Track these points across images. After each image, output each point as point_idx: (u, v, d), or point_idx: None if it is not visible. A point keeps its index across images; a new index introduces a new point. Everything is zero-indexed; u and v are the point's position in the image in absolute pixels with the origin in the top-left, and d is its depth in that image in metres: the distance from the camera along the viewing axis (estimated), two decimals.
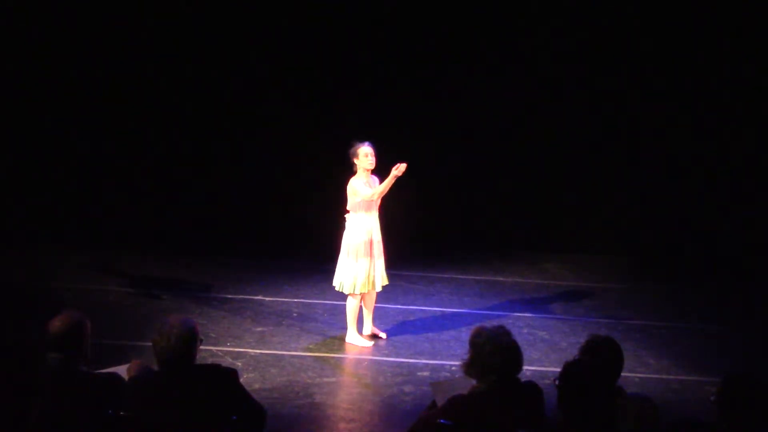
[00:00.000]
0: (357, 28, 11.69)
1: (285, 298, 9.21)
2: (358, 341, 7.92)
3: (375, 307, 8.20)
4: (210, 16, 11.60)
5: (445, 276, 10.41)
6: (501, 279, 10.51)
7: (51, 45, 11.33)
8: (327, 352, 7.75)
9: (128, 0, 11.45)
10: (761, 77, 11.67)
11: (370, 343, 7.93)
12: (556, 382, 4.07)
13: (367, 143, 7.71)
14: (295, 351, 7.70)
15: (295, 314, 8.70)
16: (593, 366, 4.16)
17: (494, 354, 4.23)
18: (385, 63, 11.74)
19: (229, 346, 7.69)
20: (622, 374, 4.58)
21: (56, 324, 4.40)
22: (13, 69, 11.27)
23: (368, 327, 8.09)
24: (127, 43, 11.44)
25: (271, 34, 11.71)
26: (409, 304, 9.18)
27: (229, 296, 9.12)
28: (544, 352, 7.97)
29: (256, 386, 6.75)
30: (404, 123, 11.39)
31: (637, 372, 7.53)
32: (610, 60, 11.83)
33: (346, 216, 7.79)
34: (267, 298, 9.14)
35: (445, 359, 7.64)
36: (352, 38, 11.71)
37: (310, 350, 7.75)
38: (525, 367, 4.44)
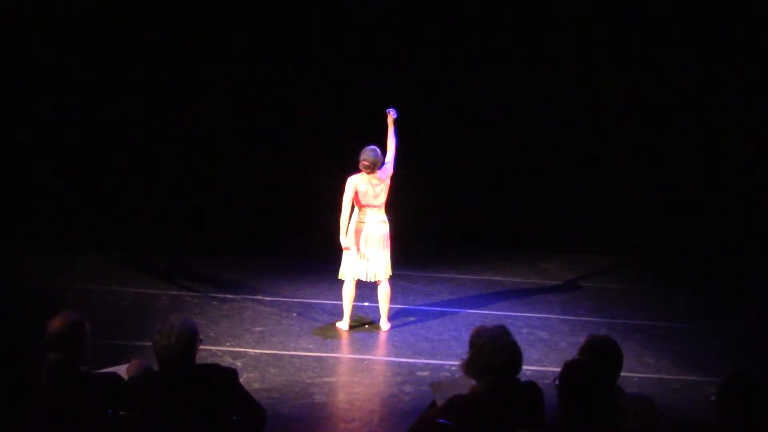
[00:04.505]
0: (359, 30, 11.71)
1: (285, 298, 9.21)
2: (339, 325, 8.31)
3: (376, 305, 8.37)
4: (212, 17, 11.61)
5: (445, 276, 10.41)
6: (501, 279, 10.51)
7: (50, 46, 11.36)
8: (327, 352, 7.75)
9: (130, 1, 11.47)
10: (761, 77, 11.68)
11: (341, 327, 8.28)
12: (556, 382, 4.07)
13: (366, 148, 8.02)
14: (295, 351, 7.70)
15: (295, 314, 8.70)
16: (593, 366, 4.16)
17: (493, 354, 4.23)
18: (386, 63, 11.75)
19: (228, 346, 7.69)
20: (622, 374, 4.57)
21: (55, 324, 4.40)
22: (13, 69, 11.28)
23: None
24: (129, 43, 11.46)
25: (273, 34, 11.73)
26: (409, 304, 9.18)
27: (229, 296, 9.12)
28: (544, 352, 7.97)
29: (256, 386, 6.75)
30: (405, 123, 11.40)
31: (637, 372, 7.52)
32: (610, 61, 11.84)
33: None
34: (267, 298, 9.14)
35: (445, 359, 7.64)
36: (354, 38, 11.73)
37: (310, 350, 7.76)
38: (525, 367, 4.44)
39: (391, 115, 8.23)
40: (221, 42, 11.67)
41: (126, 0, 11.48)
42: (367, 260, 8.09)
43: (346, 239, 8.02)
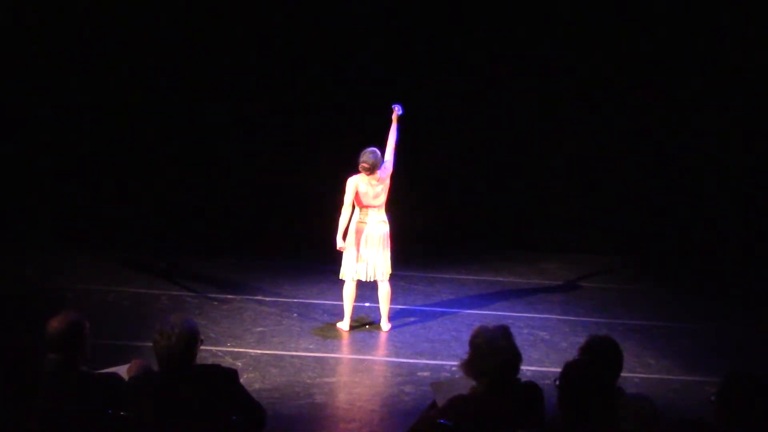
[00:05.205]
0: (359, 29, 11.72)
1: (285, 298, 9.21)
2: (339, 325, 8.30)
3: (377, 305, 8.40)
4: (214, 17, 11.62)
5: (445, 276, 10.41)
6: (501, 279, 10.51)
7: (50, 46, 11.36)
8: (327, 352, 7.75)
9: (130, 1, 11.49)
10: (761, 77, 11.68)
11: (342, 328, 8.28)
12: (556, 382, 4.07)
13: (366, 150, 8.01)
14: (295, 351, 7.70)
15: (295, 314, 8.70)
16: (593, 366, 4.16)
17: (490, 357, 4.21)
18: (386, 63, 11.75)
19: (229, 346, 7.69)
20: (622, 374, 4.57)
21: (54, 325, 4.40)
22: (14, 69, 11.29)
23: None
24: (130, 43, 11.47)
25: (273, 33, 11.74)
26: (409, 305, 9.18)
27: (229, 296, 9.12)
28: (544, 352, 7.97)
29: (256, 386, 6.75)
30: (405, 123, 11.40)
31: (637, 372, 7.53)
32: (609, 61, 11.84)
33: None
34: (267, 298, 9.14)
35: (445, 359, 7.64)
36: (354, 40, 11.74)
37: (310, 350, 7.76)
38: (525, 367, 4.44)
39: (396, 112, 8.25)
40: (221, 42, 11.67)
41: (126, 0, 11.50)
42: (367, 260, 8.10)
43: (342, 241, 8.02)
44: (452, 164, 12.06)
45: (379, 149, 8.04)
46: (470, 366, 4.30)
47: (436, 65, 11.87)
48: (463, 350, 4.50)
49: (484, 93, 11.89)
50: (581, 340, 4.73)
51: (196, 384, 4.23)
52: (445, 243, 11.70)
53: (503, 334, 4.30)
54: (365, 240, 8.08)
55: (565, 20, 11.82)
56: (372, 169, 7.94)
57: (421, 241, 11.24)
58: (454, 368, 7.13)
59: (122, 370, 4.61)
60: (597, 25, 11.81)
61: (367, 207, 8.06)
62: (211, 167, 11.91)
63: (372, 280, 8.17)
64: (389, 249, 8.19)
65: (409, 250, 10.23)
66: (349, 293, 8.19)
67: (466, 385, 4.37)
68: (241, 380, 4.46)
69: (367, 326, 8.43)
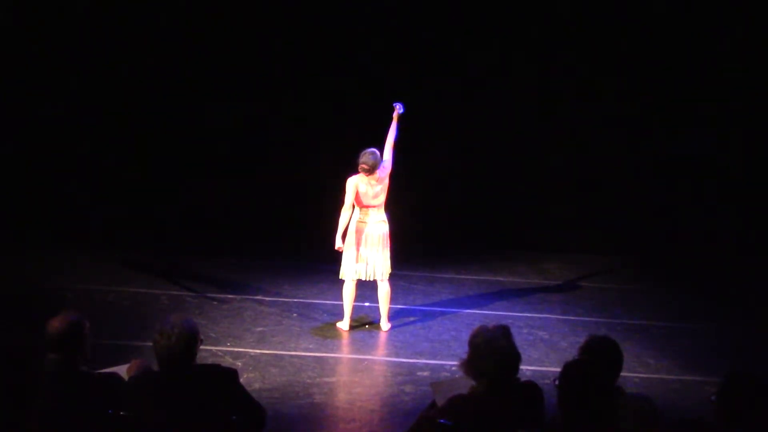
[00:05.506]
0: (358, 31, 11.72)
1: (285, 298, 9.21)
2: (339, 325, 8.30)
3: (377, 305, 8.40)
4: (214, 17, 11.62)
5: (445, 276, 10.41)
6: (501, 279, 10.51)
7: (50, 46, 11.36)
8: (327, 352, 7.75)
9: (130, 1, 11.49)
10: (761, 77, 11.68)
11: (342, 328, 8.28)
12: (556, 382, 4.07)
13: (365, 151, 8.01)
14: (295, 351, 7.70)
15: (295, 314, 8.70)
16: (593, 366, 4.16)
17: (488, 357, 4.21)
18: (386, 63, 11.75)
19: (229, 346, 7.69)
20: (622, 374, 4.57)
21: (54, 325, 4.40)
22: (14, 69, 11.29)
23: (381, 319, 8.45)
24: (130, 43, 11.47)
25: (273, 33, 11.74)
26: (409, 304, 9.18)
27: (229, 296, 9.12)
28: (544, 352, 7.97)
29: (256, 386, 6.76)
30: (405, 123, 11.41)
31: (637, 372, 7.53)
32: (609, 61, 11.85)
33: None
34: (267, 298, 9.14)
35: (445, 359, 7.64)
36: (354, 40, 11.74)
37: (310, 350, 7.76)
38: (525, 367, 4.44)
39: (398, 110, 8.27)
40: (221, 42, 11.67)
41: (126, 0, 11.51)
42: (367, 260, 8.11)
43: (340, 241, 8.02)
44: (452, 164, 12.07)
45: (378, 149, 8.05)
46: (470, 366, 4.29)
47: (436, 65, 11.86)
48: (462, 350, 4.49)
49: (484, 93, 11.90)
50: (581, 339, 4.73)
51: (196, 384, 4.23)
52: (445, 243, 11.70)
53: (503, 333, 4.30)
54: (365, 239, 8.09)
55: (565, 20, 11.82)
56: (371, 170, 7.96)
57: (421, 241, 11.24)
58: (453, 368, 7.14)
59: (122, 370, 4.61)
60: (597, 25, 11.81)
61: (367, 207, 8.08)
62: (211, 167, 11.90)
63: (372, 279, 8.18)
64: (389, 248, 8.20)
65: (409, 250, 10.23)
66: (348, 293, 8.20)
67: (465, 384, 4.37)
68: (241, 380, 4.46)
69: (366, 326, 8.43)
